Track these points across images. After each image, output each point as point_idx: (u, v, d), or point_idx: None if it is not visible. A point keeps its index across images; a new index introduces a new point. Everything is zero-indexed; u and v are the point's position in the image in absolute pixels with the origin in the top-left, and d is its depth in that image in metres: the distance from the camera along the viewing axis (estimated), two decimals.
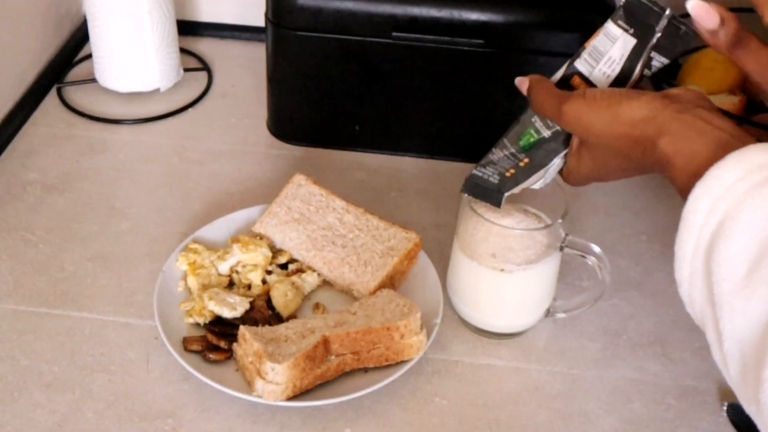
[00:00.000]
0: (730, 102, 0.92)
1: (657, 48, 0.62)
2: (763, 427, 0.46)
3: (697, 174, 0.49)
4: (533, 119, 0.66)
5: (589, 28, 0.65)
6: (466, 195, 0.71)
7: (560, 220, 0.73)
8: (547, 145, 0.66)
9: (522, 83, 0.66)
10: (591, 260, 0.74)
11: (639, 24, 0.62)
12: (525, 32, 0.90)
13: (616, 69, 0.63)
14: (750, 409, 0.46)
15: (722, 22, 0.58)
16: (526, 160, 0.67)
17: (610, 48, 0.63)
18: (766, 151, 0.48)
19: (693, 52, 1.05)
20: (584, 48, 0.65)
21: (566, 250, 0.74)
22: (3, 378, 0.73)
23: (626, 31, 0.62)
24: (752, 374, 0.45)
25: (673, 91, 0.57)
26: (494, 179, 0.68)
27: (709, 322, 0.49)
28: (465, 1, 0.90)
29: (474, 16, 0.90)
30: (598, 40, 0.64)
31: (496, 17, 0.90)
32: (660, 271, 0.86)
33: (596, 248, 0.74)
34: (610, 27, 0.63)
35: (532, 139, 0.66)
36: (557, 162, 0.66)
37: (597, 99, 0.58)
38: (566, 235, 0.74)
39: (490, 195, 0.69)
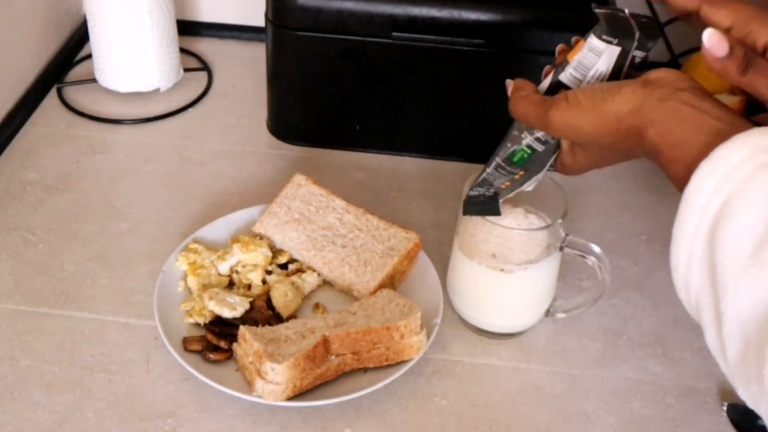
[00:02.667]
0: (730, 102, 0.92)
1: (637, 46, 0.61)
2: (764, 406, 0.46)
3: (681, 160, 0.50)
4: (523, 135, 0.65)
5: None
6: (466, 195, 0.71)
7: (560, 220, 0.73)
8: (540, 155, 0.65)
9: (509, 87, 0.64)
10: (591, 260, 0.74)
11: (620, 33, 0.61)
12: (525, 32, 0.90)
13: (604, 80, 0.62)
14: (750, 390, 0.46)
15: (731, 51, 0.57)
16: (522, 172, 0.67)
17: (596, 62, 0.62)
18: None
19: (691, 52, 1.05)
20: (567, 62, 0.63)
21: (566, 250, 0.75)
22: (3, 378, 0.73)
23: (610, 43, 0.61)
24: (755, 353, 0.45)
25: (654, 74, 0.56)
26: (489, 193, 0.69)
27: (706, 306, 0.49)
28: (465, 1, 0.90)
29: (474, 16, 0.90)
30: (582, 55, 0.62)
31: (496, 17, 0.90)
32: (660, 271, 0.86)
33: (596, 248, 0.74)
34: (594, 42, 0.62)
35: (525, 155, 0.66)
36: (547, 164, 0.66)
37: (581, 101, 0.58)
38: (566, 235, 0.74)
39: (488, 207, 0.69)
